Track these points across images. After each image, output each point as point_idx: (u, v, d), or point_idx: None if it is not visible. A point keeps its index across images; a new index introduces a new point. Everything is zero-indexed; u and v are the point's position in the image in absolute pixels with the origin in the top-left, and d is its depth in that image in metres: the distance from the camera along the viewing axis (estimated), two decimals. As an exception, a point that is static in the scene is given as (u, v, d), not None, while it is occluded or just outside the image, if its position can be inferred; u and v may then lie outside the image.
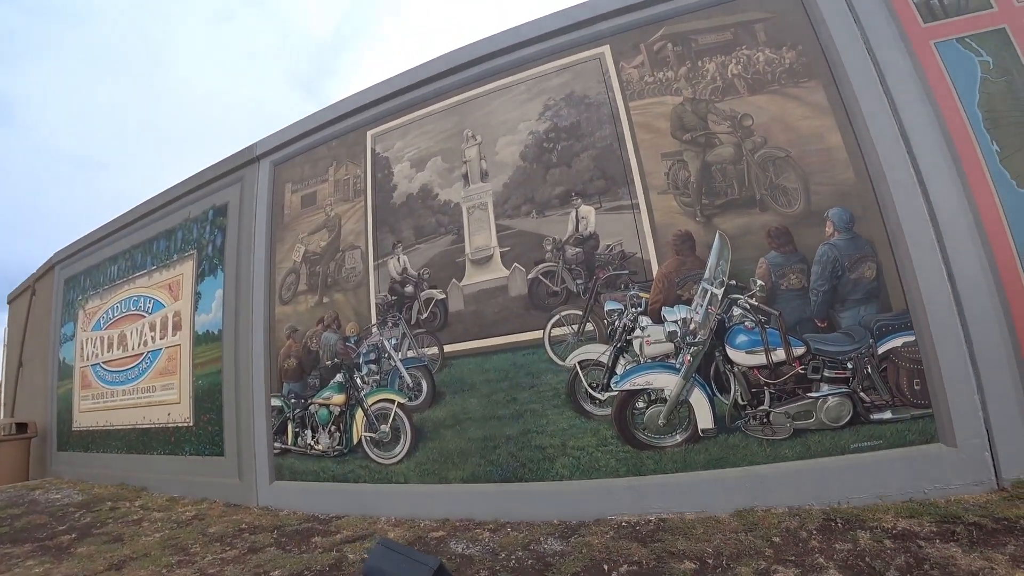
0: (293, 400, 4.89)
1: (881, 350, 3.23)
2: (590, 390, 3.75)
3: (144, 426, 6.23)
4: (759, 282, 3.42)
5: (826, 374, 3.32)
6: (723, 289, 3.45)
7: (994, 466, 2.94)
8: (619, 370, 3.69)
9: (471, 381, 4.13)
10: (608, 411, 3.67)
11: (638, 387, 3.60)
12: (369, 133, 5.03)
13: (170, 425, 5.92)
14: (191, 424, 5.69)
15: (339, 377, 4.70)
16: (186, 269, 6.05)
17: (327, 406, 4.71)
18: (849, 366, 3.27)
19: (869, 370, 3.24)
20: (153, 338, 6.30)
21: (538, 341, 3.95)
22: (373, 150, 4.99)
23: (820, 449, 3.24)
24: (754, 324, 3.41)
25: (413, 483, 4.19)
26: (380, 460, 4.38)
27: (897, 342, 3.21)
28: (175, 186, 6.46)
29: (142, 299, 6.56)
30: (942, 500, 2.96)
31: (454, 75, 4.65)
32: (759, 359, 3.39)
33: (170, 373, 6.01)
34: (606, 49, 4.17)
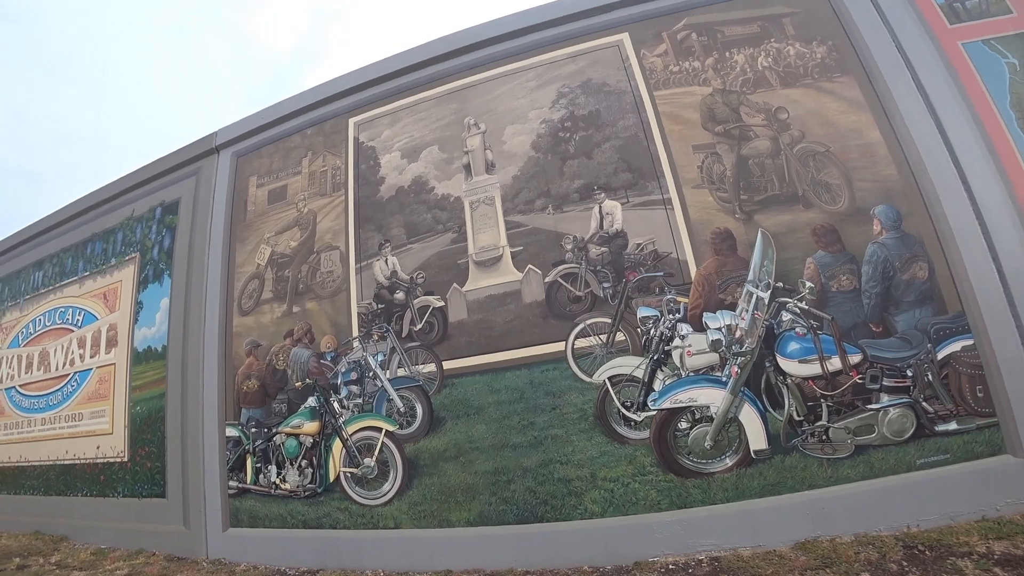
0: (254, 429, 4.07)
1: (940, 355, 2.97)
2: (623, 410, 3.25)
3: (67, 462, 5.22)
4: (808, 284, 3.10)
5: (885, 383, 3.01)
6: (770, 292, 3.10)
7: None
8: (657, 386, 3.23)
9: (478, 403, 3.54)
10: (645, 434, 3.18)
11: (680, 404, 3.14)
12: (352, 120, 4.45)
13: (99, 460, 4.95)
14: (125, 459, 4.74)
15: (312, 401, 3.95)
16: (125, 275, 5.14)
17: (296, 436, 3.93)
18: (909, 374, 2.98)
19: (930, 377, 2.96)
20: (82, 356, 5.29)
21: (560, 354, 3.44)
22: (356, 139, 4.40)
23: (884, 467, 2.91)
24: (806, 330, 3.07)
25: (406, 528, 3.49)
26: (364, 500, 3.66)
27: (956, 346, 2.96)
28: (117, 180, 5.56)
29: (70, 311, 5.54)
30: (1018, 516, 2.68)
31: (453, 59, 4.21)
32: (814, 369, 3.03)
33: (101, 398, 5.03)
34: (625, 37, 3.87)
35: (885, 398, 2.98)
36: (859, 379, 3.00)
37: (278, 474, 3.94)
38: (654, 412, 3.16)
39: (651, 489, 3.10)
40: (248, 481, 4.03)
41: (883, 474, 2.89)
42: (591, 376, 3.35)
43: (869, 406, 2.99)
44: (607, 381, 3.30)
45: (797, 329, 3.09)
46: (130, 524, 4.53)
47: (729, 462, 3.08)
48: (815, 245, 3.20)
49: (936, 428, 2.91)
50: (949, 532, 2.66)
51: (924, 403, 2.94)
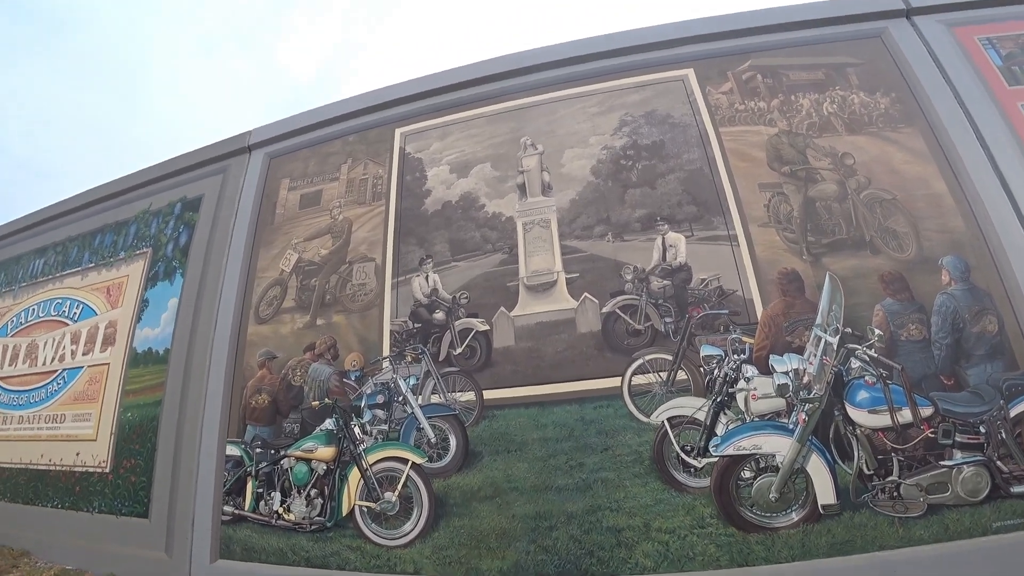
0: (259, 449, 3.78)
1: (1013, 412, 2.93)
2: (683, 454, 3.13)
3: (41, 467, 4.80)
4: (877, 331, 3.10)
5: (958, 439, 2.95)
6: (838, 337, 3.07)
7: None
8: (719, 430, 3.13)
9: (521, 439, 3.37)
10: (705, 482, 3.06)
11: (744, 451, 3.03)
12: (399, 131, 4.44)
13: (77, 469, 4.55)
14: (107, 470, 4.36)
15: (329, 423, 3.70)
16: (134, 270, 4.92)
17: (308, 461, 3.66)
18: (982, 430, 2.93)
19: (1003, 435, 2.92)
20: (74, 352, 4.95)
21: (615, 391, 3.32)
22: (402, 149, 4.36)
23: (959, 529, 2.82)
24: (875, 379, 3.02)
25: (428, 574, 3.23)
26: (381, 540, 3.38)
27: None
28: (137, 172, 5.42)
29: (68, 303, 5.23)
30: None
31: (512, 79, 4.29)
32: (883, 420, 2.97)
33: (88, 400, 4.68)
34: (690, 72, 4.00)
35: (958, 455, 2.92)
36: (931, 433, 2.95)
37: (282, 502, 3.64)
38: (715, 459, 3.04)
39: (710, 543, 2.94)
40: (246, 507, 3.71)
41: (958, 537, 2.79)
42: (648, 416, 3.25)
43: (942, 462, 2.92)
44: (666, 422, 3.19)
45: (867, 378, 3.05)
46: (103, 544, 4.15)
47: (795, 517, 2.96)
48: (883, 292, 3.22)
49: (1012, 489, 2.84)
50: None
51: (998, 462, 2.89)
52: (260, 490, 3.72)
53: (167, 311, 4.54)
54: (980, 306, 3.12)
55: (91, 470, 4.45)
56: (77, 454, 4.58)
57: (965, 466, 2.88)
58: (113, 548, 4.11)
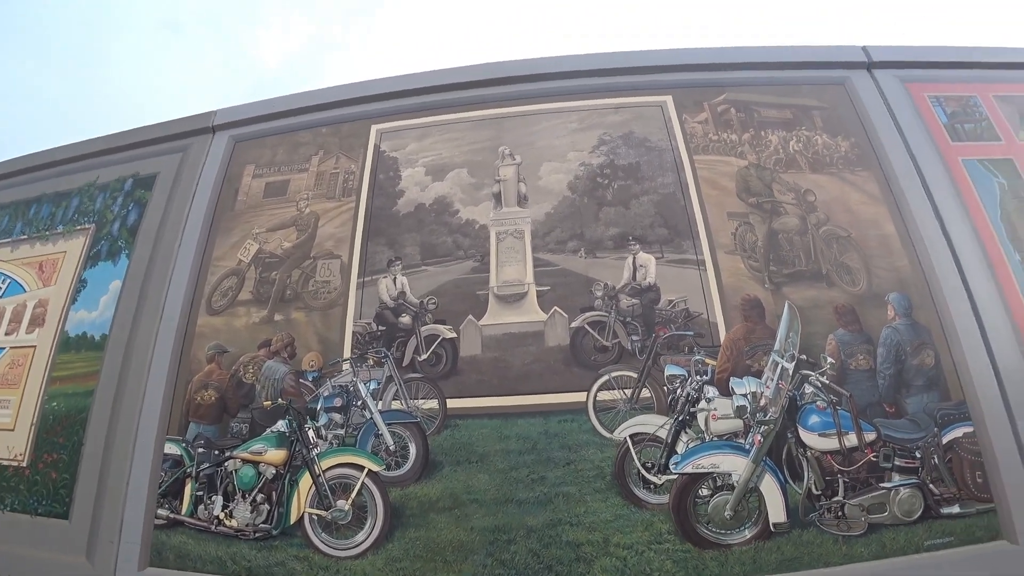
0: (202, 449, 3.57)
1: (945, 439, 3.22)
2: (644, 471, 3.20)
3: None
4: (830, 359, 3.32)
5: (897, 463, 3.21)
6: (794, 363, 3.26)
7: None
8: (680, 448, 3.24)
9: (483, 450, 3.34)
10: (664, 499, 3.15)
11: (703, 470, 3.15)
12: (375, 127, 4.36)
13: None
14: (24, 464, 3.98)
15: (281, 425, 3.55)
16: (72, 247, 4.53)
17: (255, 464, 3.49)
18: (917, 455, 3.20)
19: (936, 460, 3.20)
20: None
21: (580, 405, 3.37)
22: (377, 146, 4.29)
23: (895, 547, 3.03)
24: (826, 404, 3.23)
25: (380, 586, 3.12)
26: (331, 550, 3.26)
27: (958, 432, 3.23)
28: (85, 141, 5.00)
29: None
30: None
31: (495, 87, 4.32)
32: (832, 443, 3.19)
33: (8, 385, 4.25)
34: (668, 99, 4.17)
35: (897, 477, 3.17)
36: (873, 457, 3.19)
37: (224, 507, 3.44)
38: (675, 476, 3.14)
39: (667, 559, 3.02)
40: (183, 511, 3.49)
41: (894, 554, 3.01)
42: (612, 432, 3.31)
43: (882, 484, 3.15)
44: (629, 439, 3.27)
45: (818, 403, 3.25)
46: (15, 546, 3.79)
47: (748, 534, 3.09)
48: (836, 323, 3.45)
49: (942, 510, 3.10)
50: None
51: (931, 485, 3.15)
52: (200, 493, 3.51)
53: (107, 294, 4.23)
54: (920, 340, 3.39)
55: (5, 463, 4.05)
56: (-10, 444, 4.14)
57: (902, 488, 3.12)
58: (26, 551, 3.74)
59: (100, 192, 4.78)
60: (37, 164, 5.27)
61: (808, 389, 3.27)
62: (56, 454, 3.96)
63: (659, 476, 3.18)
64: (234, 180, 4.44)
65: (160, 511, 3.54)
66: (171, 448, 3.67)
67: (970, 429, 3.20)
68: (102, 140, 5.08)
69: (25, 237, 4.92)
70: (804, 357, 3.29)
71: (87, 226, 4.65)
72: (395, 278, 3.85)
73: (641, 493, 3.19)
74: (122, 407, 3.83)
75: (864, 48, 4.26)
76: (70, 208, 4.83)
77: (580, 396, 3.39)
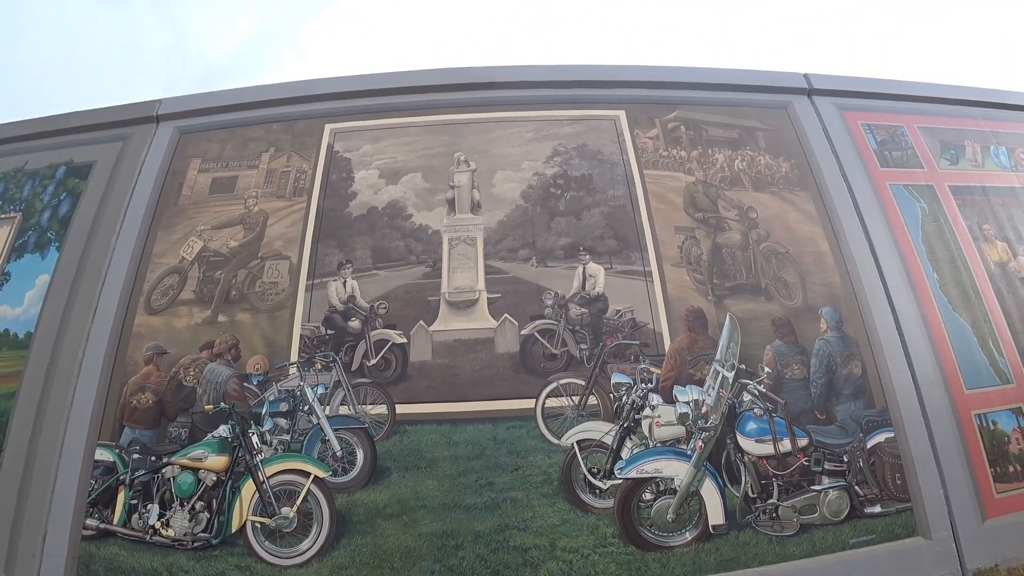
0: (137, 455, 3.43)
1: (869, 444, 3.53)
2: (590, 476, 3.31)
3: None
4: (767, 369, 3.57)
5: (826, 467, 3.47)
6: (734, 373, 3.45)
7: (959, 557, 3.32)
8: (625, 454, 3.37)
9: (431, 456, 3.39)
10: (610, 503, 3.27)
11: (646, 475, 3.29)
12: (329, 127, 4.32)
13: None
14: None
15: (224, 430, 3.46)
16: None
17: (195, 471, 3.38)
18: (845, 459, 3.48)
19: (861, 464, 3.49)
20: None
21: (528, 412, 3.47)
22: (331, 146, 4.26)
23: (824, 545, 3.29)
24: (763, 411, 3.43)
25: (324, 595, 3.10)
26: (274, 559, 3.22)
27: (881, 438, 3.55)
28: (14, 123, 4.70)
29: None
30: None
31: (452, 92, 4.37)
32: (767, 448, 3.40)
33: None
34: (622, 114, 4.35)
35: (826, 480, 3.43)
36: (805, 461, 3.43)
37: (160, 516, 3.32)
38: (620, 481, 3.26)
39: (611, 562, 3.14)
40: (115, 521, 3.35)
41: (823, 552, 3.26)
42: (559, 438, 3.41)
43: (813, 487, 3.39)
44: (575, 445, 3.38)
45: (755, 410, 3.44)
46: (-79, 566, 3.47)
47: (689, 536, 3.25)
48: (773, 334, 3.71)
49: (865, 510, 3.39)
50: None
51: (856, 487, 3.43)
52: (134, 501, 3.37)
53: (33, 289, 4.00)
54: (849, 352, 3.69)
55: (-88, 470, 3.73)
56: None
57: (831, 490, 3.37)
58: (-67, 567, 3.49)
59: (28, 179, 4.53)
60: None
61: (746, 397, 3.46)
62: (-28, 461, 3.70)
63: (605, 481, 3.29)
64: (178, 174, 4.29)
65: (89, 521, 3.38)
66: (103, 454, 3.51)
67: (891, 434, 3.50)
68: (32, 123, 4.82)
69: (-59, 223, 4.57)
70: (743, 367, 3.49)
71: (12, 215, 4.40)
72: (345, 281, 3.83)
73: (587, 498, 3.29)
74: (48, 410, 3.64)
75: (806, 75, 4.56)
76: (-6, 195, 4.54)
77: (529, 403, 3.48)
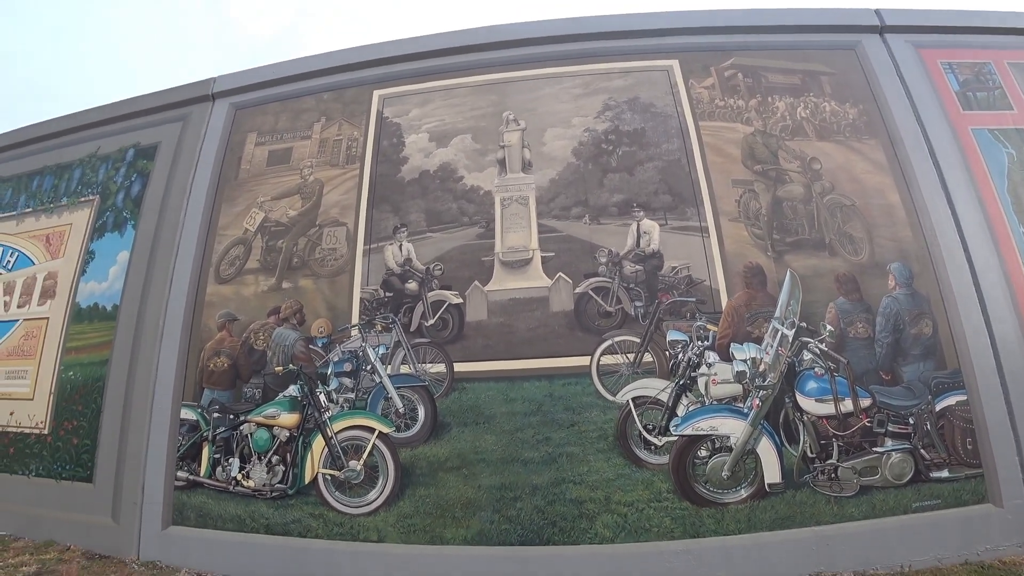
0: (217, 414, 3.77)
1: (939, 407, 3.42)
2: (645, 433, 3.39)
3: None
4: (829, 327, 3.47)
5: (890, 428, 3.39)
6: (794, 331, 3.39)
7: None
8: (680, 411, 3.41)
9: (489, 412, 3.54)
10: (664, 459, 3.34)
11: (701, 432, 3.32)
12: (377, 93, 4.41)
13: (11, 430, 4.38)
14: (46, 432, 4.21)
15: (293, 390, 3.73)
16: (78, 219, 4.66)
17: (269, 428, 3.68)
18: (911, 421, 3.40)
19: (928, 427, 3.40)
20: (7, 304, 4.67)
21: (584, 369, 3.54)
22: (380, 112, 4.34)
23: (885, 508, 3.26)
24: (824, 371, 3.37)
25: (392, 542, 3.38)
26: (344, 508, 3.49)
27: (951, 400, 3.43)
28: (84, 112, 5.06)
29: (0, 249, 4.88)
30: (997, 561, 3.10)
31: (498, 51, 4.35)
32: (828, 408, 3.35)
33: (25, 356, 4.45)
34: (675, 64, 4.20)
35: (889, 442, 3.37)
36: (868, 422, 3.37)
37: (241, 469, 3.66)
38: (675, 438, 3.32)
39: (665, 516, 3.22)
40: (202, 473, 3.71)
41: (883, 515, 3.24)
42: (614, 395, 3.48)
43: (875, 449, 3.35)
44: (631, 402, 3.44)
45: (816, 369, 3.39)
46: (42, 510, 4.04)
47: (744, 493, 3.29)
48: (837, 291, 3.60)
49: (931, 474, 3.32)
50: (940, 573, 3.05)
51: (922, 450, 3.36)
52: (217, 456, 3.72)
53: (116, 265, 4.36)
54: (919, 310, 3.55)
55: (27, 431, 4.29)
56: (11, 413, 4.40)
57: (894, 453, 3.32)
58: (52, 513, 4.01)
59: (102, 163, 4.84)
60: (36, 136, 5.33)
61: (807, 356, 3.41)
62: (75, 421, 4.17)
63: (660, 438, 3.36)
64: (236, 148, 4.51)
65: (179, 473, 3.77)
66: (187, 413, 3.87)
67: (963, 398, 3.38)
68: (101, 110, 5.12)
69: (30, 210, 5.02)
70: (804, 324, 3.43)
71: (91, 197, 4.74)
72: (401, 245, 3.96)
73: (642, 454, 3.37)
74: (137, 375, 4.02)
75: (877, 11, 4.24)
76: (73, 180, 4.91)
77: (584, 360, 3.55)
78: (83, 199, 4.76)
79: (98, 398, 4.07)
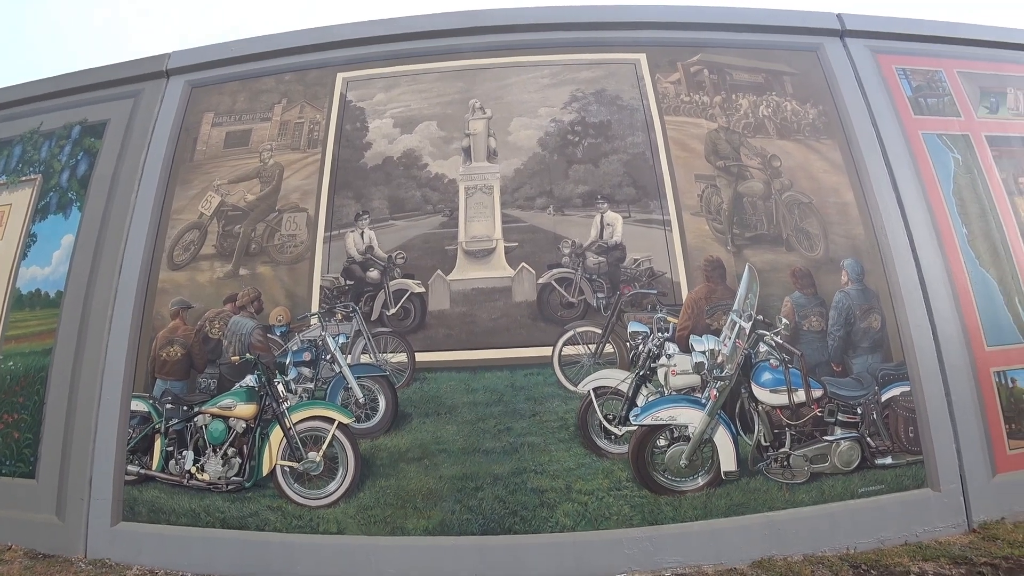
0: (170, 405, 3.67)
1: (884, 398, 3.64)
2: (605, 423, 3.47)
3: None
4: (784, 320, 3.62)
5: (840, 418, 3.58)
6: (751, 323, 3.53)
7: (966, 509, 3.47)
8: (640, 401, 3.51)
9: (451, 402, 3.56)
10: (624, 448, 3.43)
11: (661, 422, 3.43)
12: (341, 76, 4.32)
13: None
14: None
15: (250, 380, 3.67)
16: (18, 199, 4.43)
17: (225, 419, 3.61)
18: (858, 411, 3.59)
19: (875, 416, 3.61)
20: None
21: (546, 360, 3.60)
22: (343, 96, 4.28)
23: (833, 494, 3.45)
24: (779, 362, 3.52)
25: (352, 534, 3.38)
26: (303, 500, 3.46)
27: (896, 391, 3.65)
28: (25, 84, 4.79)
29: None
30: (934, 542, 3.34)
31: (466, 36, 4.32)
32: (782, 399, 3.51)
33: None
34: (642, 57, 4.27)
35: (838, 431, 3.56)
36: (819, 412, 3.55)
37: (195, 461, 3.59)
38: (635, 427, 3.41)
39: (624, 504, 3.31)
40: (154, 467, 3.62)
41: (831, 500, 3.43)
42: (576, 385, 3.55)
43: (825, 437, 3.53)
44: (592, 392, 3.52)
45: (771, 361, 3.54)
46: (-20, 508, 3.83)
47: (701, 481, 3.42)
48: (793, 285, 3.76)
49: (876, 461, 3.54)
50: (883, 554, 3.24)
51: (868, 438, 3.56)
52: (170, 448, 3.63)
53: (60, 249, 4.18)
54: (869, 305, 3.75)
55: (-38, 425, 4.05)
56: (-56, 406, 4.12)
57: (843, 441, 3.51)
58: (-6, 512, 3.85)
59: (45, 140, 4.62)
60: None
61: (763, 348, 3.55)
62: (16, 414, 3.99)
63: (620, 427, 3.45)
64: (192, 129, 4.36)
65: (130, 467, 3.66)
66: (138, 405, 3.75)
67: (907, 388, 3.60)
68: (44, 83, 4.88)
69: (-35, 189, 4.76)
70: (761, 317, 3.57)
71: (33, 176, 4.54)
72: (363, 232, 3.93)
73: (602, 443, 3.46)
74: (83, 365, 3.87)
75: (839, 15, 4.41)
76: (12, 157, 4.67)
77: (546, 350, 3.61)
78: (24, 178, 4.54)
79: (40, 389, 3.90)
